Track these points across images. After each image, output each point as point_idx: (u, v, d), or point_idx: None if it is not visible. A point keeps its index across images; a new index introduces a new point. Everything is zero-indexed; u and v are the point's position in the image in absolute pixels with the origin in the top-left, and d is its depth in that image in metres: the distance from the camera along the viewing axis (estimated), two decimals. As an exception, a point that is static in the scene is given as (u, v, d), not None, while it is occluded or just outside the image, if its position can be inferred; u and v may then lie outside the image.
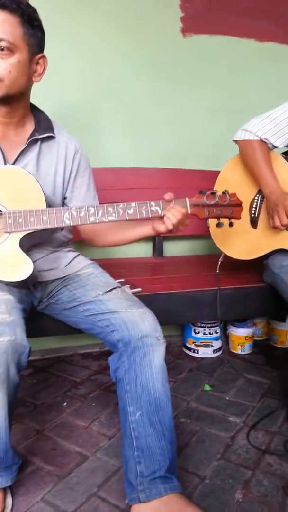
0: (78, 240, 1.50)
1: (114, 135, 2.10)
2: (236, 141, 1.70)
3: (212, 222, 1.29)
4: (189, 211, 1.23)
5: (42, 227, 1.16)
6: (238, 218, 1.27)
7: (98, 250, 2.02)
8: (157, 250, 2.22)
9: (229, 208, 1.25)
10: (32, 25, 1.16)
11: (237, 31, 2.20)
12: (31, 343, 1.09)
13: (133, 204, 1.19)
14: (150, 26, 2.05)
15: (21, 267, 1.14)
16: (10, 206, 1.16)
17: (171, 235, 1.23)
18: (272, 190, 1.55)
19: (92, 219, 1.18)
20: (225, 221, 1.27)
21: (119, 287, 1.33)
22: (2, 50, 1.12)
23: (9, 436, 1.13)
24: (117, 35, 2.01)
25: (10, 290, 1.17)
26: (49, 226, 1.16)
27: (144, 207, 1.19)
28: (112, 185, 2.03)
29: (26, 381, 1.85)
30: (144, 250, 2.25)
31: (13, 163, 1.24)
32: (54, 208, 1.17)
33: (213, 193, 1.24)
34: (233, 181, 1.70)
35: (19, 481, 1.25)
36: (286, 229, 1.55)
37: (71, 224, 1.18)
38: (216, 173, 1.81)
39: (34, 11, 1.18)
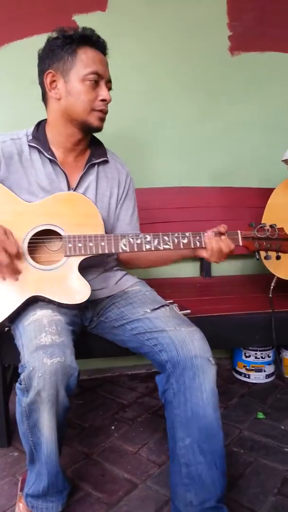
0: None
1: (164, 154, 2.10)
2: (285, 161, 1.65)
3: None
4: (240, 243, 1.24)
5: (100, 252, 1.18)
6: (286, 252, 1.28)
7: (143, 270, 2.00)
8: (205, 269, 2.17)
9: (278, 242, 1.26)
10: None
11: (288, 47, 2.16)
12: (78, 363, 1.07)
13: (187, 234, 1.21)
14: (200, 46, 2.05)
15: (80, 291, 1.16)
16: (70, 231, 1.18)
17: (210, 261, 1.26)
18: None
19: (148, 246, 1.19)
20: (273, 254, 1.29)
21: (167, 305, 1.31)
22: (111, 89, 1.25)
23: (59, 459, 1.11)
24: (169, 56, 2.03)
25: (60, 312, 1.17)
26: (106, 252, 1.18)
27: (198, 237, 1.21)
28: (158, 205, 2.02)
29: (73, 401, 1.84)
30: (191, 270, 2.21)
31: (76, 187, 1.28)
32: (112, 235, 1.19)
33: (262, 227, 1.26)
34: (285, 205, 1.66)
35: (69, 507, 1.22)
36: None
37: (127, 251, 1.19)
38: (268, 190, 1.76)
39: None
